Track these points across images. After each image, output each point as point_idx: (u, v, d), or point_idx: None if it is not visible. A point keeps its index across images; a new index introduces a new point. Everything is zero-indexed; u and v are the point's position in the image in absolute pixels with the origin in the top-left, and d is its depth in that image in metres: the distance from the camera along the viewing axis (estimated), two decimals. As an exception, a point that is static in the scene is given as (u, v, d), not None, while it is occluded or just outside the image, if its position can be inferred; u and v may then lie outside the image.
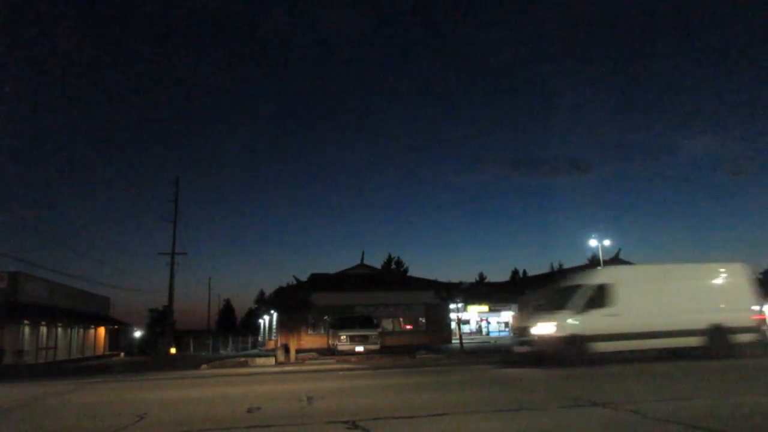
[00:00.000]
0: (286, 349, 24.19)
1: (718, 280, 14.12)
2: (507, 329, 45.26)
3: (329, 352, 25.09)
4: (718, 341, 13.00)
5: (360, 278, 36.45)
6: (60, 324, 33.66)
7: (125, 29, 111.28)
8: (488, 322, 45.94)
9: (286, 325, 30.47)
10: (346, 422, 5.29)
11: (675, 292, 13.47)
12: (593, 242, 38.39)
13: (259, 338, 48.11)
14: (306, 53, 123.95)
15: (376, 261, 49.74)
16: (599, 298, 13.02)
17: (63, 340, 34.33)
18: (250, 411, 6.35)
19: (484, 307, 44.13)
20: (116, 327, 46.83)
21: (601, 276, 13.91)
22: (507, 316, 46.70)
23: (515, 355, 13.92)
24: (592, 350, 12.46)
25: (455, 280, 35.46)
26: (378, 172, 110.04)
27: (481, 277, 49.67)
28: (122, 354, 43.87)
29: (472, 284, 35.25)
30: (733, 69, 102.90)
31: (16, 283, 28.74)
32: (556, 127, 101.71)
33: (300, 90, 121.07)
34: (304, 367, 16.55)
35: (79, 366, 26.60)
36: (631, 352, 13.17)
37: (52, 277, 33.33)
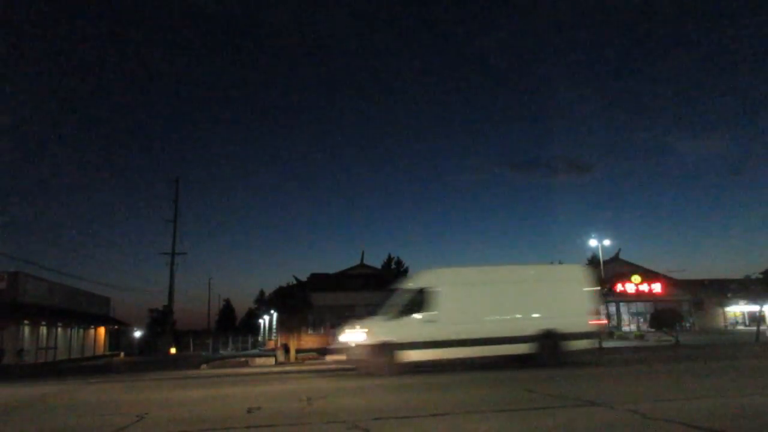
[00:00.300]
0: (286, 349, 24.23)
1: (554, 283, 13.08)
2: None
3: (329, 352, 25.08)
4: (550, 348, 12.16)
5: (360, 278, 36.44)
6: (60, 324, 33.66)
7: (125, 29, 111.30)
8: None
9: (286, 325, 30.49)
10: (346, 422, 5.29)
11: (505, 295, 12.56)
12: (593, 242, 38.44)
13: (259, 338, 48.17)
14: (306, 53, 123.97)
15: (376, 261, 49.81)
16: (417, 302, 12.07)
17: (63, 340, 34.33)
18: (250, 411, 6.35)
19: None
20: (116, 327, 46.82)
21: (422, 279, 12.69)
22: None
23: (328, 362, 12.65)
24: (405, 359, 11.57)
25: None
26: (378, 172, 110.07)
27: (482, 277, 49.59)
28: (122, 354, 43.87)
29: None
30: (733, 69, 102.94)
31: (16, 283, 28.74)
32: (556, 127, 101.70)
33: (300, 90, 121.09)
34: (304, 367, 16.54)
35: (79, 366, 26.62)
36: (451, 360, 12.20)
37: (52, 277, 33.41)
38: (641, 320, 44.34)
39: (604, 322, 13.04)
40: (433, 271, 12.88)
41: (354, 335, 11.96)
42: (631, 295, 43.73)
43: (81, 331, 37.85)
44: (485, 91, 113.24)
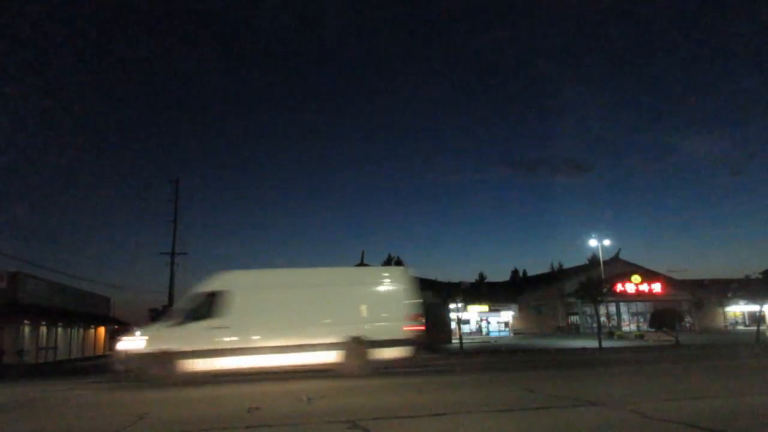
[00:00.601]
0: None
1: (367, 287, 12.28)
2: (507, 329, 45.35)
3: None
4: (357, 357, 11.29)
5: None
6: (60, 324, 33.66)
7: (125, 29, 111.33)
8: (488, 322, 46.02)
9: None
10: (346, 422, 5.28)
11: (309, 300, 11.74)
12: (593, 242, 38.53)
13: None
14: (306, 53, 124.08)
15: (376, 261, 49.58)
16: (207, 307, 11.25)
17: (63, 340, 34.32)
18: (250, 411, 6.34)
19: (484, 307, 44.17)
20: (116, 327, 46.83)
21: (213, 282, 11.66)
22: (507, 315, 46.79)
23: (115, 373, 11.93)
24: (188, 369, 10.74)
25: (455, 280, 35.44)
26: (378, 172, 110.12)
27: (481, 277, 49.65)
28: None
29: (472, 284, 35.26)
30: (732, 69, 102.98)
31: (16, 283, 28.72)
32: (556, 127, 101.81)
33: (300, 90, 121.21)
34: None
35: (79, 366, 26.59)
36: (244, 370, 11.40)
37: (52, 277, 33.38)
38: (641, 320, 44.41)
39: (421, 328, 11.97)
40: (226, 273, 11.96)
41: (132, 343, 11.15)
42: (631, 295, 43.80)
43: (81, 331, 37.85)
44: (485, 91, 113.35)
